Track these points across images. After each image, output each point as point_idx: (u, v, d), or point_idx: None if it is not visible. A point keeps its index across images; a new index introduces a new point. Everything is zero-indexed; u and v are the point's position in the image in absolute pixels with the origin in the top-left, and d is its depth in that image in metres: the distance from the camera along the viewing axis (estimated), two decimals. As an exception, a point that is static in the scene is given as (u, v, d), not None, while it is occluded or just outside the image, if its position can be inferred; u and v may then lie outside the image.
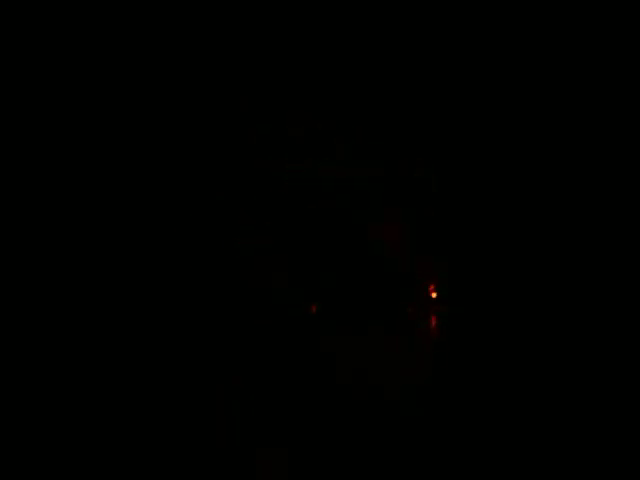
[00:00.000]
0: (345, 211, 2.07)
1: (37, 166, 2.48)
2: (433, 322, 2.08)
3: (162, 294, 2.29)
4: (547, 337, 1.96)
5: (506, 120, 2.38)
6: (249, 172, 2.43)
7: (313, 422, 1.27)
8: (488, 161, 2.34)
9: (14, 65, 2.36)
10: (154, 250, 2.45)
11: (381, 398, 1.55)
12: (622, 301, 2.17)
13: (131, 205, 2.46)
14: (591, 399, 1.36)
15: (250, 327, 2.00)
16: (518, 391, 1.39)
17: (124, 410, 1.25)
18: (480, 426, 1.22)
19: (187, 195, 2.47)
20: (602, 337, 1.92)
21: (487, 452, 1.21)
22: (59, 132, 2.48)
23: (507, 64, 2.40)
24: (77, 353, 1.67)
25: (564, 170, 2.41)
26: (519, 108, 2.39)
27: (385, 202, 2.05)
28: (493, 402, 1.33)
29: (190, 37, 2.49)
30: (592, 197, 2.43)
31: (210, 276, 2.41)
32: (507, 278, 2.29)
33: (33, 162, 2.47)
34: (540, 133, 2.40)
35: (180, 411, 1.27)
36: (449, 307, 2.10)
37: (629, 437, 1.20)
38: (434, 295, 2.09)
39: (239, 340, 1.85)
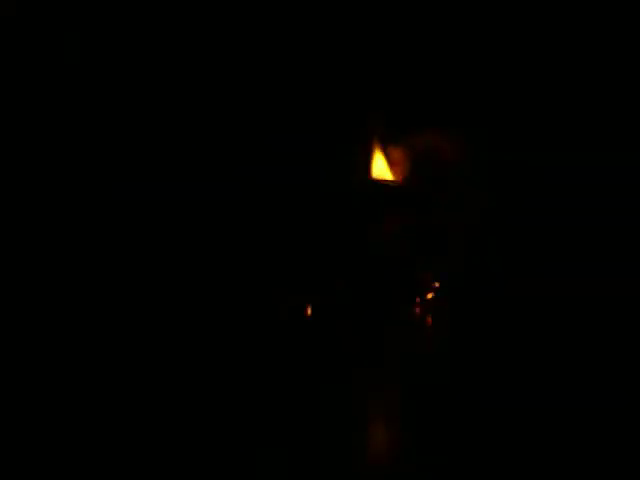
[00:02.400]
0: (345, 211, 2.07)
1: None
2: (433, 321, 2.08)
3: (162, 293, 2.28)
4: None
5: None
6: (247, 175, 2.43)
7: (311, 422, 1.26)
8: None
9: None
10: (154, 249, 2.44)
11: (380, 397, 1.55)
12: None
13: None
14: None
15: (248, 328, 1.99)
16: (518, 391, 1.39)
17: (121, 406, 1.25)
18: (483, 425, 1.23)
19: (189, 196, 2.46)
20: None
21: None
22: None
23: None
24: (74, 350, 1.67)
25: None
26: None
27: (385, 202, 2.06)
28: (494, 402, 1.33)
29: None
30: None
31: (207, 276, 2.40)
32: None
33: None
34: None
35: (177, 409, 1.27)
36: (450, 306, 2.10)
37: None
38: (432, 295, 2.09)
39: (236, 342, 1.84)
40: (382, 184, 2.11)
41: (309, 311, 2.13)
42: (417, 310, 2.10)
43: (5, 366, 1.58)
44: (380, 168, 2.15)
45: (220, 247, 2.40)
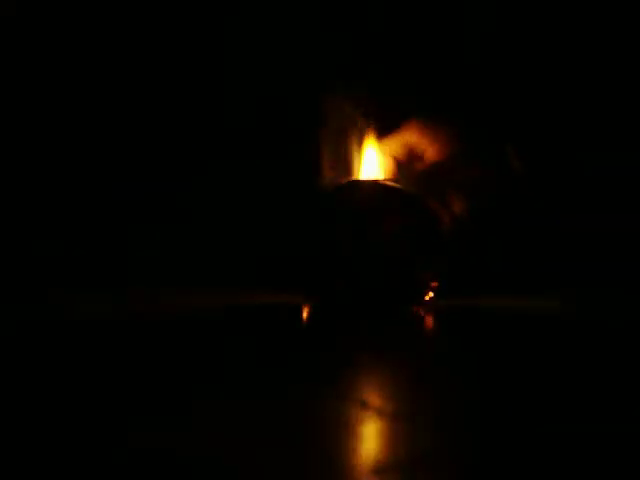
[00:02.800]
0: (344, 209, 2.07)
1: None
2: (433, 321, 2.08)
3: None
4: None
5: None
6: (243, 175, 2.42)
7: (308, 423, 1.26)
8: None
9: None
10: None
11: (381, 397, 1.55)
12: None
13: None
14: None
15: (246, 329, 1.98)
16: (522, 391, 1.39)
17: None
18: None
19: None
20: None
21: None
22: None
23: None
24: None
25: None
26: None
27: (385, 202, 2.05)
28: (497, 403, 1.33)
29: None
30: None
31: (206, 276, 2.39)
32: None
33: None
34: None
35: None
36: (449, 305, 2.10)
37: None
38: (431, 294, 2.09)
39: (235, 341, 1.84)
40: (379, 183, 2.11)
41: (308, 311, 2.13)
42: (417, 310, 2.09)
43: (5, 366, 1.57)
44: (377, 167, 2.15)
45: (217, 248, 2.40)
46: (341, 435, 1.15)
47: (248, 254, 2.40)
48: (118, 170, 2.44)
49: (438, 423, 1.21)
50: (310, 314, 2.12)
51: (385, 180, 2.15)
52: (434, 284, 2.04)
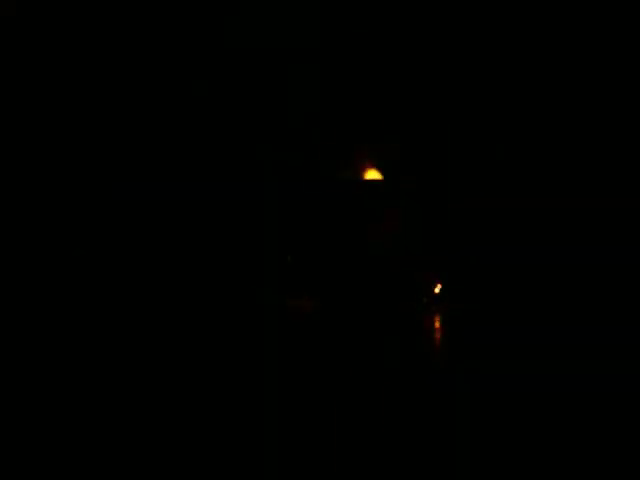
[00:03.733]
0: (345, 211, 2.08)
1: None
2: (432, 320, 2.08)
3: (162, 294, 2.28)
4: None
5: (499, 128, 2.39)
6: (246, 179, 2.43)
7: (308, 421, 1.26)
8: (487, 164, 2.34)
9: None
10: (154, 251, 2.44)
11: (380, 397, 1.55)
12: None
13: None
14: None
15: (251, 325, 1.99)
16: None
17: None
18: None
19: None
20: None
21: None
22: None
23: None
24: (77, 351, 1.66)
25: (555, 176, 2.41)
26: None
27: (385, 202, 2.06)
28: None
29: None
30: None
31: (205, 278, 2.40)
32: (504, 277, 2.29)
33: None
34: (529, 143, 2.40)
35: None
36: (449, 305, 2.10)
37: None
38: (430, 295, 2.09)
39: (238, 340, 1.85)
40: (377, 184, 2.12)
41: (310, 310, 2.13)
42: (417, 310, 2.10)
43: (5, 366, 1.58)
44: (375, 169, 2.15)
45: (221, 249, 2.40)
46: (341, 430, 1.15)
47: (251, 256, 2.41)
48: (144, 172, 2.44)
49: (435, 419, 1.21)
50: (313, 313, 2.12)
51: (382, 180, 2.15)
52: (435, 286, 2.04)
